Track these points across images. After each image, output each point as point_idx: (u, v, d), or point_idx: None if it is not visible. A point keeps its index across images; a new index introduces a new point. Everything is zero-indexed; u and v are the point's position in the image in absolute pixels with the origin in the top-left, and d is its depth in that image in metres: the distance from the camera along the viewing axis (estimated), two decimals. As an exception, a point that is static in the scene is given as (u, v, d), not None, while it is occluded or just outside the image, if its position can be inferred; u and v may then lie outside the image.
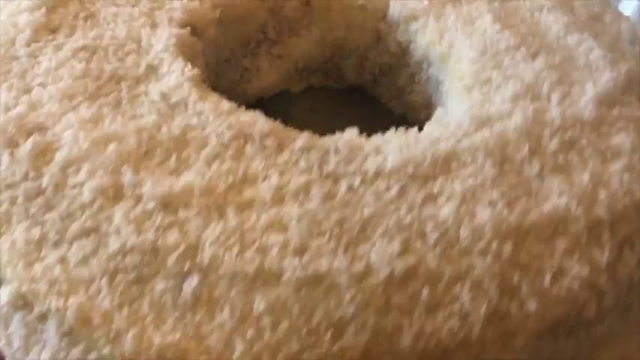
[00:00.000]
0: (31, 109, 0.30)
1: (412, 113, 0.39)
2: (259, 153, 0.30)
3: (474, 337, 0.26)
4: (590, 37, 0.35)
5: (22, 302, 0.27)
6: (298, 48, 0.39)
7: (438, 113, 0.33)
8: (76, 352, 0.26)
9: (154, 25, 0.34)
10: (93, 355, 0.26)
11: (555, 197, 0.29)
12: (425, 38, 0.36)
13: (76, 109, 0.30)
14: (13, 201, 0.28)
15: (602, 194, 0.29)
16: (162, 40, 0.33)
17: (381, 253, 0.27)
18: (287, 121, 0.31)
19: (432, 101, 0.37)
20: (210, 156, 0.29)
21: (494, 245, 0.27)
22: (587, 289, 0.27)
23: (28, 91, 0.31)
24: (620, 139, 0.31)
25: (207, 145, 0.30)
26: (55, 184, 0.28)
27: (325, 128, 0.32)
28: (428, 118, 0.37)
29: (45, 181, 0.28)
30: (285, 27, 0.39)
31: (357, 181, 0.29)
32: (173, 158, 0.29)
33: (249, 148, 0.30)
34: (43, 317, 0.27)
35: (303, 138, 0.30)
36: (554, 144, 0.31)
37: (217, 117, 0.30)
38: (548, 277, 0.27)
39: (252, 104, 0.37)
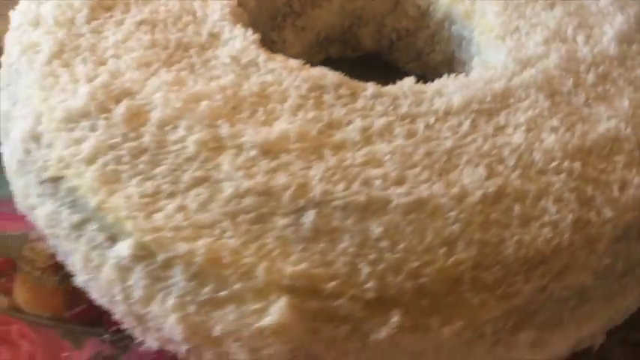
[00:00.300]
0: (113, 78, 0.32)
1: (432, 72, 0.42)
2: (337, 101, 0.32)
3: (565, 244, 0.29)
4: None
5: (145, 252, 0.28)
6: (321, 19, 0.42)
7: (475, 62, 0.36)
8: (205, 291, 0.28)
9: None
10: (223, 292, 0.28)
11: (605, 121, 0.32)
12: (446, -1, 0.39)
13: (157, 75, 0.32)
14: (118, 160, 0.29)
15: (642, 117, 0.33)
16: (216, 10, 0.35)
17: (471, 178, 0.29)
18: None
19: (455, 56, 0.40)
20: (293, 107, 0.31)
21: (565, 164, 0.30)
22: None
23: (103, 62, 0.33)
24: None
25: (288, 97, 0.32)
26: (156, 141, 0.30)
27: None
28: (451, 73, 0.40)
29: (146, 139, 0.30)
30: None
31: (432, 120, 0.31)
32: (260, 111, 0.31)
33: (326, 98, 0.32)
34: (168, 264, 0.28)
35: (371, 86, 0.33)
36: (591, 77, 0.34)
37: (290, 73, 0.32)
38: (616, 188, 0.30)
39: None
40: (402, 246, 0.28)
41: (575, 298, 0.30)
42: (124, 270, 0.29)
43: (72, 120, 0.31)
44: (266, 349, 0.28)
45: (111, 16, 0.35)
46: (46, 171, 0.31)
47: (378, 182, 0.29)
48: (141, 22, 0.34)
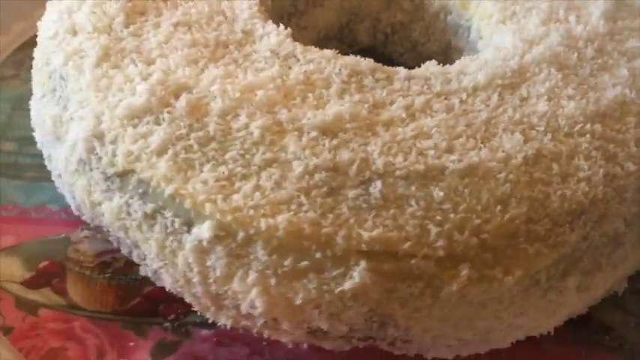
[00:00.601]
0: (167, 75, 0.33)
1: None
2: (376, 84, 0.34)
3: (599, 196, 0.32)
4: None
5: (225, 232, 0.30)
6: (322, 17, 0.44)
7: (481, 45, 0.40)
8: (286, 264, 0.30)
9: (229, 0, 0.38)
10: (304, 263, 0.30)
11: (611, 88, 0.36)
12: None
13: (207, 70, 0.34)
14: (188, 149, 0.31)
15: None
16: (245, 10, 0.37)
17: (511, 143, 0.32)
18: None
19: (452, 45, 0.43)
20: (339, 91, 0.34)
21: (587, 127, 0.34)
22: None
23: (151, 62, 0.34)
24: (632, 43, 0.39)
25: (332, 83, 0.34)
26: (221, 130, 0.32)
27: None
28: (446, 62, 0.43)
29: (211, 129, 0.32)
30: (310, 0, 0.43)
31: (464, 95, 0.34)
32: (310, 97, 0.33)
33: (366, 82, 0.34)
34: (248, 241, 0.30)
35: (402, 70, 0.35)
36: (589, 51, 0.38)
37: (328, 62, 0.35)
38: (632, 145, 0.34)
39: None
40: (463, 207, 0.30)
41: (611, 244, 0.33)
42: (203, 252, 0.31)
43: (135, 116, 0.32)
44: (345, 312, 0.30)
45: (146, 20, 0.36)
46: (113, 166, 0.32)
47: (431, 152, 0.32)
48: (177, 24, 0.36)
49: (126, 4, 0.37)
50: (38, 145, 0.38)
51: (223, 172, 0.31)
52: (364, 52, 0.44)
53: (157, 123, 0.32)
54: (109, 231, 0.34)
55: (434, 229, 0.30)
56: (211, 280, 0.31)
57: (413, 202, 0.30)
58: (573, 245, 0.32)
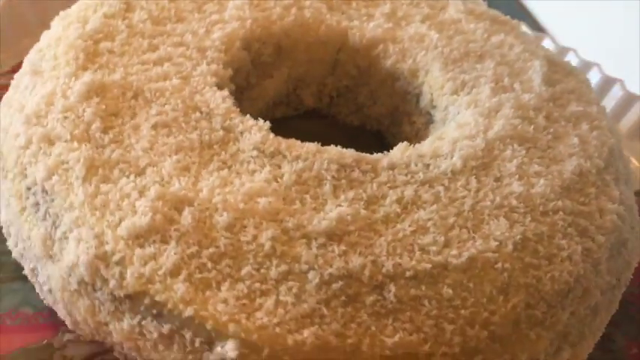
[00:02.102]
0: (163, 188, 0.33)
1: (373, 123, 0.47)
2: (364, 177, 0.35)
3: (580, 272, 0.35)
4: (506, 36, 0.45)
5: (250, 350, 0.31)
6: (271, 88, 0.44)
7: (437, 115, 0.42)
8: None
9: (199, 92, 0.38)
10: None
11: (568, 159, 0.39)
12: (388, 60, 0.44)
13: (202, 179, 0.34)
14: (202, 268, 0.31)
15: (591, 149, 0.40)
16: (220, 105, 0.37)
17: (499, 229, 0.35)
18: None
19: (400, 109, 0.45)
20: (332, 189, 0.35)
21: (559, 203, 0.36)
22: (620, 218, 0.37)
23: (142, 172, 0.34)
24: (574, 107, 0.42)
25: (324, 181, 0.35)
26: (231, 244, 0.32)
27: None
28: (394, 123, 0.45)
29: (221, 244, 0.32)
30: (261, 72, 0.44)
31: (446, 182, 0.36)
32: (308, 198, 0.34)
33: (355, 175, 0.35)
34: (274, 358, 0.31)
35: (382, 157, 0.37)
36: (541, 121, 0.40)
37: (314, 156, 0.36)
38: (598, 216, 0.37)
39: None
40: (470, 301, 0.32)
41: (591, 314, 0.36)
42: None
43: (140, 236, 0.32)
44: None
45: (123, 123, 0.36)
46: (122, 289, 0.32)
47: (433, 248, 0.33)
48: (156, 125, 0.36)
49: (97, 106, 0.36)
50: (13, 254, 0.37)
51: (242, 290, 0.31)
52: (309, 114, 0.45)
53: (165, 242, 0.32)
54: (115, 348, 0.34)
55: (448, 327, 0.32)
56: (237, 396, 0.32)
57: (426, 302, 0.32)
58: (565, 322, 0.34)
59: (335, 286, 0.32)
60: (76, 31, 0.39)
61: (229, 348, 0.31)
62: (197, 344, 0.31)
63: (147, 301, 0.32)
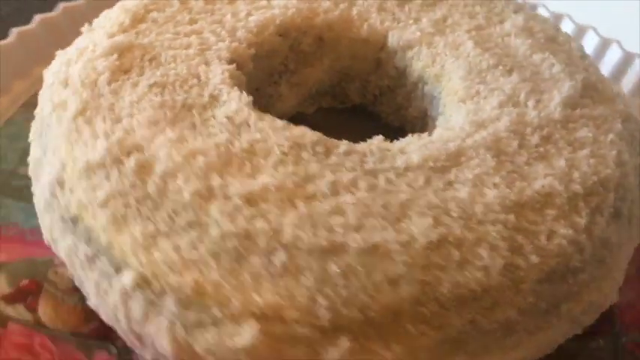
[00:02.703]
0: (127, 134, 0.38)
1: (409, 125, 0.48)
2: (313, 157, 0.38)
3: (493, 284, 0.34)
4: (551, 55, 0.44)
5: (144, 283, 0.34)
6: (312, 76, 0.48)
7: (440, 121, 0.42)
8: (191, 317, 0.34)
9: (207, 63, 0.42)
10: (206, 318, 0.34)
11: (541, 178, 0.38)
12: (420, 63, 0.45)
13: (163, 133, 0.38)
14: (126, 205, 0.36)
15: (576, 174, 0.38)
16: (217, 74, 0.41)
17: (419, 227, 0.35)
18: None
19: (428, 113, 0.46)
20: (276, 162, 0.37)
21: (501, 216, 0.36)
22: (572, 245, 0.36)
23: (119, 120, 0.39)
24: (584, 133, 0.40)
25: (272, 154, 0.37)
26: (158, 190, 0.36)
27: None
28: (424, 128, 0.46)
29: (150, 188, 0.36)
30: (301, 59, 0.47)
31: (392, 175, 0.37)
32: (247, 165, 0.37)
33: (304, 154, 0.38)
34: (162, 293, 0.34)
35: (344, 144, 0.39)
36: (535, 139, 0.40)
37: (275, 132, 0.38)
38: (543, 237, 0.36)
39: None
40: (355, 284, 0.34)
41: (502, 330, 0.35)
42: (126, 296, 0.35)
43: (90, 170, 0.37)
44: (240, 365, 0.34)
45: (128, 79, 0.41)
46: (68, 212, 0.37)
47: (339, 230, 0.35)
48: (153, 85, 0.41)
49: (113, 62, 0.41)
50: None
51: (151, 230, 0.35)
52: (356, 109, 0.48)
53: (107, 178, 0.37)
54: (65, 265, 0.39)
55: (322, 302, 0.33)
56: (133, 322, 0.36)
57: (307, 274, 0.34)
58: (459, 328, 0.34)
59: (230, 243, 0.34)
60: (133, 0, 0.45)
61: (126, 277, 0.35)
62: (108, 270, 0.36)
63: (81, 225, 0.37)
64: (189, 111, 0.40)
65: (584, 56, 0.46)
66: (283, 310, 0.33)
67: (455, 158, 0.38)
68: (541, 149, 0.39)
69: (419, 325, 0.34)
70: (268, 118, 0.39)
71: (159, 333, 0.35)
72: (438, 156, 0.38)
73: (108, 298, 0.36)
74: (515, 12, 0.48)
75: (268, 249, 0.34)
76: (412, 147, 0.39)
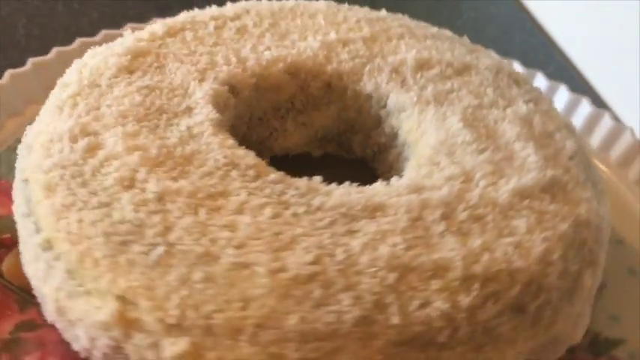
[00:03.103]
0: (94, 120, 0.42)
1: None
2: (239, 177, 0.40)
3: (342, 331, 0.35)
4: (533, 146, 0.44)
5: (47, 245, 0.39)
6: (319, 120, 0.50)
7: (392, 179, 0.43)
8: (72, 283, 0.37)
9: (202, 80, 0.46)
10: (81, 287, 0.37)
11: (445, 251, 0.38)
12: (407, 126, 0.46)
13: (124, 126, 0.42)
14: (62, 176, 0.40)
15: (485, 257, 0.38)
16: (203, 90, 0.45)
17: (296, 260, 0.37)
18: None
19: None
20: (204, 173, 0.40)
21: (382, 272, 0.37)
22: (443, 320, 0.36)
23: (97, 108, 0.43)
24: (519, 223, 0.40)
25: (205, 165, 0.40)
26: (92, 170, 0.40)
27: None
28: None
29: (86, 167, 0.40)
30: (310, 101, 0.49)
31: (301, 210, 0.39)
32: (177, 170, 0.40)
33: (233, 173, 0.40)
34: (56, 257, 0.38)
35: (278, 174, 0.41)
36: (463, 215, 0.40)
37: (220, 148, 0.41)
38: (416, 304, 0.36)
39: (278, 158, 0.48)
40: (210, 292, 0.36)
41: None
42: (36, 255, 0.39)
43: (51, 141, 0.42)
44: (97, 339, 0.37)
45: (128, 78, 0.46)
46: (23, 174, 0.42)
47: (222, 242, 0.37)
48: (144, 87, 0.45)
49: (124, 61, 0.46)
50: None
51: (68, 201, 0.39)
52: (359, 162, 0.50)
53: (61, 152, 0.41)
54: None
55: (175, 299, 0.36)
56: (37, 280, 0.40)
57: (173, 273, 0.36)
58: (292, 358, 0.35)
59: (123, 228, 0.38)
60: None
61: (37, 238, 0.39)
62: (31, 229, 0.40)
63: (27, 187, 0.41)
64: (161, 115, 0.44)
65: (573, 157, 0.45)
66: (139, 297, 0.36)
67: (371, 211, 0.39)
68: (464, 226, 0.39)
69: (254, 346, 0.35)
70: (224, 136, 0.43)
71: (48, 296, 0.39)
72: (354, 205, 0.39)
73: (27, 254, 0.41)
74: (527, 102, 0.48)
75: (152, 242, 0.37)
76: (338, 192, 0.40)
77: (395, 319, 0.36)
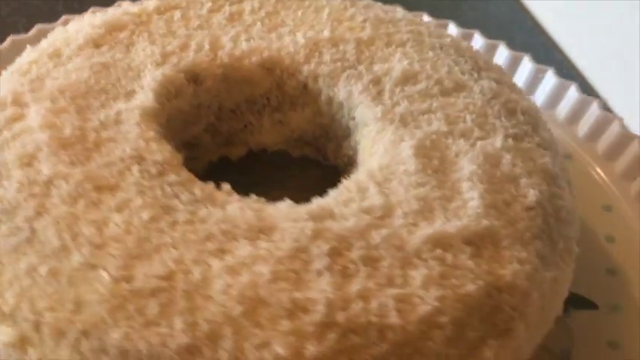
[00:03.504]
0: (31, 91, 0.42)
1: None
2: (138, 174, 0.38)
3: (164, 356, 0.33)
4: (484, 191, 0.39)
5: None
6: (295, 120, 0.47)
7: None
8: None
9: (160, 64, 0.44)
10: None
11: (314, 291, 0.34)
12: (364, 142, 0.42)
13: (54, 101, 0.41)
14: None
15: (357, 305, 0.34)
16: (153, 75, 0.43)
17: (147, 271, 0.34)
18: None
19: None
20: (105, 163, 0.38)
21: (230, 303, 0.33)
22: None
23: (42, 79, 0.43)
24: (416, 275, 0.35)
25: (110, 155, 0.39)
26: (4, 142, 0.40)
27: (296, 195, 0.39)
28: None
29: (1, 139, 0.40)
30: (286, 100, 0.46)
31: (182, 219, 0.36)
32: (82, 155, 0.39)
33: (134, 168, 0.38)
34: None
35: (183, 175, 0.38)
36: (356, 254, 0.35)
37: (135, 139, 0.40)
38: (252, 343, 0.33)
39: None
40: (49, 289, 0.34)
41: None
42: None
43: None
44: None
45: (92, 52, 0.45)
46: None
47: (82, 238, 0.36)
48: (101, 63, 0.44)
49: (94, 34, 0.45)
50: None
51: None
52: (333, 169, 0.46)
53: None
54: None
55: (15, 289, 0.35)
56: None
57: (25, 262, 0.35)
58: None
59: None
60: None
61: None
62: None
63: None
64: (100, 95, 0.42)
65: (532, 208, 0.39)
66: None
67: (256, 232, 0.36)
68: (351, 266, 0.35)
69: (74, 354, 0.34)
70: (147, 127, 0.41)
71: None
72: (241, 223, 0.36)
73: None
74: (508, 137, 0.42)
75: (19, 226, 0.36)
76: (236, 205, 0.37)
77: (223, 356, 0.33)
